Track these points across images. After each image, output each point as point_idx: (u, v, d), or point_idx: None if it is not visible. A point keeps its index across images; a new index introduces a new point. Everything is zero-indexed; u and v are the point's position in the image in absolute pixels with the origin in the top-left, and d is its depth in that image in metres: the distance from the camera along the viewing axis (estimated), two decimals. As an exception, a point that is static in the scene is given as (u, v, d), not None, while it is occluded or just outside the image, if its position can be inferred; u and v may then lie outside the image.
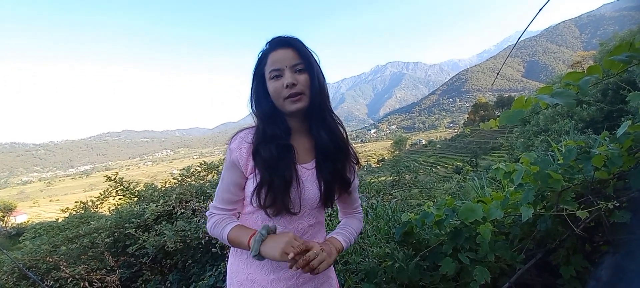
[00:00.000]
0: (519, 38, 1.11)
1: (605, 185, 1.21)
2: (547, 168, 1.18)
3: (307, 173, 0.95)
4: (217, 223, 0.95)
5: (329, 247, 0.93)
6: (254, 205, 0.92)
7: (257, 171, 0.90)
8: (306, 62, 0.91)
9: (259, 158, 0.90)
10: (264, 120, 0.93)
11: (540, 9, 0.94)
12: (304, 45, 0.92)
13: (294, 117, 0.94)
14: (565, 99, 0.95)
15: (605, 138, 1.28)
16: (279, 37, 0.92)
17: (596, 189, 1.22)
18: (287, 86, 0.87)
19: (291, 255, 0.79)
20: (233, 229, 0.92)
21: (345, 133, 1.04)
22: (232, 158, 0.92)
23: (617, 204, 1.05)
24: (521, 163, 1.31)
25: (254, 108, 0.96)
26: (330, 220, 2.11)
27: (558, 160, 1.31)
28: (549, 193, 1.28)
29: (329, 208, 1.26)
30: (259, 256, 0.84)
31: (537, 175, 1.19)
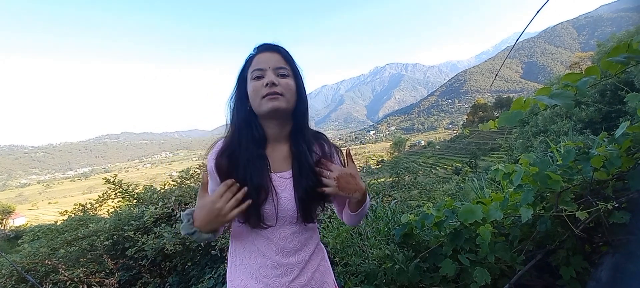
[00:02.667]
0: (518, 39, 1.12)
1: (604, 186, 1.21)
2: (546, 169, 1.18)
3: (285, 183, 0.92)
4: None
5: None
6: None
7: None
8: (291, 68, 0.91)
9: (226, 170, 0.87)
10: (237, 126, 0.92)
11: (538, 11, 0.94)
12: (291, 55, 0.92)
13: (270, 120, 0.91)
14: (564, 99, 0.95)
15: (604, 139, 1.28)
16: (267, 43, 0.92)
17: (595, 190, 1.22)
18: (266, 85, 0.86)
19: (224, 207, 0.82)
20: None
21: (328, 145, 1.01)
22: (209, 167, 0.91)
23: (617, 205, 1.05)
24: (520, 164, 1.31)
25: (230, 111, 0.95)
26: (329, 221, 2.10)
27: (557, 161, 1.31)
28: (549, 194, 1.28)
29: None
30: (199, 234, 0.84)
31: (537, 176, 1.19)
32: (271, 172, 0.91)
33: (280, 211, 0.90)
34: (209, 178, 0.92)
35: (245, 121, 0.91)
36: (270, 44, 0.91)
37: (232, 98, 0.95)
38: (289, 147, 0.96)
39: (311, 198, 0.93)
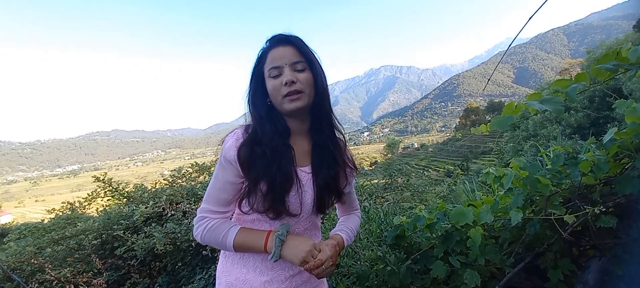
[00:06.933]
0: (510, 45, 1.13)
1: (592, 191, 1.23)
2: (536, 173, 1.20)
3: (306, 177, 0.93)
4: (214, 228, 0.89)
5: (333, 250, 0.92)
6: (248, 208, 0.90)
7: (250, 174, 0.87)
8: (307, 60, 0.88)
9: (253, 160, 0.86)
10: (259, 121, 0.90)
11: (530, 17, 0.95)
12: (305, 44, 0.90)
13: (293, 117, 0.91)
14: (554, 105, 0.97)
15: (592, 144, 1.31)
16: (280, 34, 0.89)
17: (583, 194, 1.24)
18: (286, 84, 0.84)
19: (310, 265, 0.85)
20: (239, 233, 0.88)
21: (344, 138, 1.03)
22: (228, 157, 0.87)
23: (604, 209, 1.07)
24: (511, 167, 1.33)
25: (250, 108, 0.93)
26: (322, 223, 2.10)
27: (546, 165, 1.33)
28: (538, 198, 1.30)
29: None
30: (276, 255, 0.86)
31: (526, 179, 1.21)
32: (296, 166, 0.91)
33: (304, 203, 0.92)
34: (225, 167, 0.89)
35: (268, 115, 0.90)
36: (283, 37, 0.89)
37: (249, 93, 0.93)
38: (309, 141, 0.96)
39: (329, 190, 0.95)
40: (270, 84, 0.87)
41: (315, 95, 0.90)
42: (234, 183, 0.89)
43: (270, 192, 0.85)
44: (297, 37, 0.90)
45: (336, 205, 1.14)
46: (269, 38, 0.90)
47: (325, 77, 0.93)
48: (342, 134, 1.01)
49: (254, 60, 0.92)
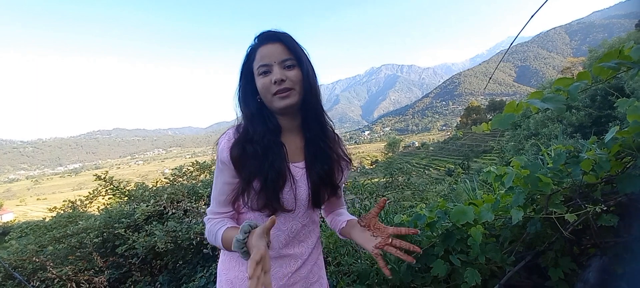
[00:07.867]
0: (512, 43, 1.13)
1: (593, 189, 1.23)
2: (537, 171, 1.20)
3: (300, 173, 0.92)
4: (211, 228, 0.91)
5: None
6: (242, 207, 0.91)
7: (243, 173, 0.87)
8: (296, 57, 0.87)
9: (245, 158, 0.86)
10: (250, 120, 0.90)
11: (532, 16, 0.95)
12: (294, 40, 0.89)
13: (284, 114, 0.91)
14: (556, 104, 0.96)
15: (594, 143, 1.30)
16: (268, 31, 0.88)
17: (584, 193, 1.24)
18: (275, 82, 0.84)
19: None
20: (225, 232, 0.87)
21: (336, 134, 1.02)
22: (222, 159, 0.87)
23: (605, 208, 1.07)
24: (512, 166, 1.33)
25: (241, 106, 0.93)
26: (322, 221, 2.10)
27: (548, 164, 1.32)
28: (539, 197, 1.29)
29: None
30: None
31: (528, 178, 1.21)
32: (288, 162, 0.90)
33: (298, 199, 0.91)
34: (221, 169, 0.89)
35: (258, 113, 0.90)
36: (271, 34, 0.88)
37: (239, 91, 0.93)
38: (301, 137, 0.96)
39: (324, 184, 0.94)
40: (259, 82, 0.87)
41: (305, 92, 0.89)
42: (231, 184, 0.89)
43: (264, 189, 0.85)
44: (286, 33, 0.89)
45: (324, 204, 1.10)
46: (258, 35, 0.89)
47: (314, 73, 0.92)
48: (332, 129, 1.00)
49: (243, 57, 0.92)
